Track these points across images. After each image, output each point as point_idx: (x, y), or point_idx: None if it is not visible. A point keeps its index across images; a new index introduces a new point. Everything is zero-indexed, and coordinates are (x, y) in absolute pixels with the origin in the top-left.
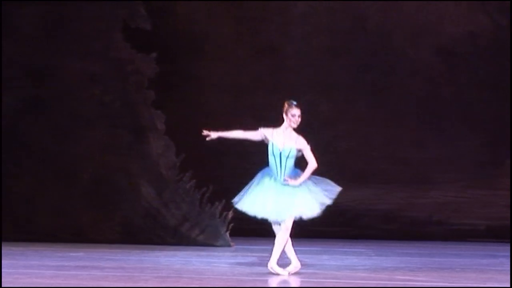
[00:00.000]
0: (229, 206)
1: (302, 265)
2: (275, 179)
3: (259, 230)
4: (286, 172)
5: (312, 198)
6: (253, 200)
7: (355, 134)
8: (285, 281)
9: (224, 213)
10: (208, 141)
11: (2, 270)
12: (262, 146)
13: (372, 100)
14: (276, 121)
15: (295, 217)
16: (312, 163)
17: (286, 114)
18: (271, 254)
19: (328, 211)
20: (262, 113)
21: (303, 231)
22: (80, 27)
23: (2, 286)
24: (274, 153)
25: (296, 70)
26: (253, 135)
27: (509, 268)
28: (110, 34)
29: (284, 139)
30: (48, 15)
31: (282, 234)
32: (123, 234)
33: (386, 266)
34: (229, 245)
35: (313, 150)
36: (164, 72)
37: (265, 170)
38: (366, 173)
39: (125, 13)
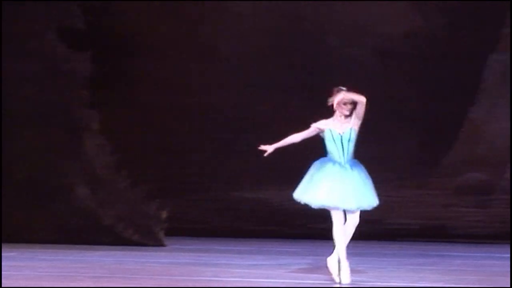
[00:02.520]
0: (164, 205)
1: (233, 265)
2: (340, 165)
3: (193, 230)
4: (348, 156)
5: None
6: (329, 191)
7: (292, 133)
8: (217, 281)
9: (159, 213)
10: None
11: None
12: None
13: (308, 100)
14: (215, 118)
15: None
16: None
17: (339, 103)
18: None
19: (264, 211)
20: (198, 112)
21: (236, 230)
22: (15, 27)
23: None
24: (334, 138)
25: (233, 70)
26: (308, 133)
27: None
28: (45, 33)
29: (341, 124)
30: None
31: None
32: (57, 234)
33: (321, 266)
34: (163, 245)
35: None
36: (99, 71)
37: (323, 159)
38: (300, 172)
39: (60, 12)
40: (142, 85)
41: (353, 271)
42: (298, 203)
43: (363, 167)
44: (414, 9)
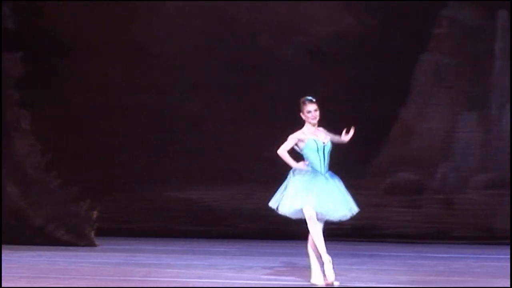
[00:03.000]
0: (94, 206)
1: (164, 265)
2: (321, 175)
3: (124, 230)
4: (327, 167)
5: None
6: (321, 200)
7: (222, 134)
8: (148, 281)
9: (89, 213)
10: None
11: None
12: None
13: (240, 99)
14: (147, 119)
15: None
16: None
17: (303, 112)
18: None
19: (195, 211)
20: (128, 112)
21: (168, 230)
22: None
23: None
24: (319, 148)
25: (164, 69)
26: (289, 146)
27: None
28: None
29: (319, 134)
30: None
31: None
32: None
33: (251, 266)
34: (94, 245)
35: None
36: (30, 71)
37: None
38: (232, 172)
39: None
40: (72, 85)
41: (283, 271)
42: (230, 203)
43: (338, 177)
44: (345, 10)
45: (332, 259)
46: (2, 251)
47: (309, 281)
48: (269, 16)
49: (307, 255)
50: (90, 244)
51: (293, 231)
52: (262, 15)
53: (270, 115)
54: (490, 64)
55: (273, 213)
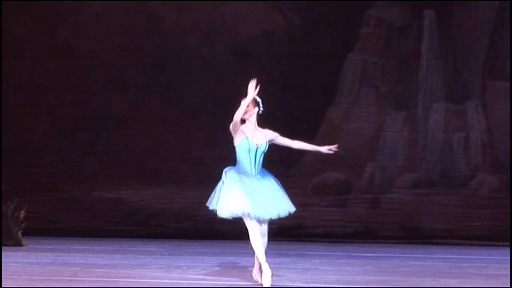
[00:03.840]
0: (21, 205)
1: (92, 265)
2: (251, 176)
3: (51, 230)
4: (258, 168)
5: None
6: (255, 205)
7: (149, 133)
8: (76, 281)
9: (16, 212)
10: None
11: None
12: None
13: (167, 99)
14: (73, 118)
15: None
16: (296, 141)
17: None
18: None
19: (122, 210)
20: (55, 111)
21: (95, 230)
22: None
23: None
24: (250, 149)
25: (91, 69)
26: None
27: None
28: None
29: (255, 134)
30: None
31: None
32: None
33: (179, 265)
34: (22, 245)
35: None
36: None
37: (235, 169)
38: (159, 172)
39: None
40: (2, 83)
41: (210, 270)
42: (157, 203)
43: (272, 175)
44: (272, 9)
45: (215, 258)
46: None
47: (236, 279)
48: (195, 15)
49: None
50: (17, 243)
51: (222, 231)
52: (189, 15)
53: (197, 114)
54: (417, 64)
55: (200, 212)
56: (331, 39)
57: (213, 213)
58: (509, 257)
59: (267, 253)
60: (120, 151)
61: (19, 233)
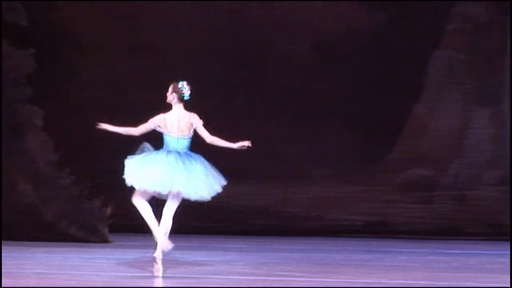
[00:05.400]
0: (108, 202)
1: (177, 262)
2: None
3: (137, 226)
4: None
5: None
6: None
7: (231, 130)
8: (161, 277)
9: (103, 209)
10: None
11: None
12: (134, 140)
13: (249, 96)
14: (155, 115)
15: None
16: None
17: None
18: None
19: (206, 207)
20: (141, 109)
21: (179, 226)
22: None
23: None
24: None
25: (174, 67)
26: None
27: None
28: None
29: (178, 121)
30: None
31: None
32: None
33: (264, 262)
34: (108, 241)
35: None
36: (42, 68)
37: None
38: (243, 169)
39: (1, 8)
40: (84, 82)
41: (295, 267)
42: (241, 200)
43: (200, 157)
44: (356, 6)
45: (346, 256)
46: (15, 247)
47: (321, 277)
48: (279, 12)
49: None
50: (104, 240)
51: (306, 227)
52: (272, 12)
53: (280, 111)
54: (502, 60)
55: (285, 209)
56: (416, 35)
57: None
58: None
59: None
60: (203, 148)
61: (106, 229)
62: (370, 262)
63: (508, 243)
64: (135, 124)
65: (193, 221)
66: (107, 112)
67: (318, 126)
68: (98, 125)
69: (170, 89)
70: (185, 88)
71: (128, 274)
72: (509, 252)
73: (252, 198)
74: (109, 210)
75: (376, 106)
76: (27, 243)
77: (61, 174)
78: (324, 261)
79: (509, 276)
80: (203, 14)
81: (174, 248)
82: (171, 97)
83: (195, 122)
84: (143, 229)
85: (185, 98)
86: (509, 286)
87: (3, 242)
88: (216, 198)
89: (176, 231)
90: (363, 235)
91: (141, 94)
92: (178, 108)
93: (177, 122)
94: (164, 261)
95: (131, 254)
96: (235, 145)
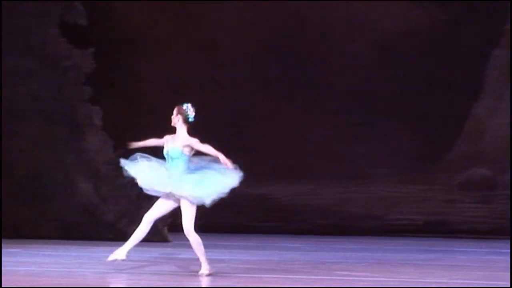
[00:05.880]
0: None
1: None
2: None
3: (198, 225)
4: (175, 171)
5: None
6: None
7: (293, 129)
8: (219, 276)
9: None
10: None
11: None
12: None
13: (310, 95)
14: (215, 114)
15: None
16: (208, 148)
17: None
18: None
19: (266, 206)
20: (200, 108)
21: (239, 226)
22: (16, 22)
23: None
24: (164, 153)
25: (234, 65)
26: (161, 142)
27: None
28: (47, 29)
29: (173, 141)
30: None
31: None
32: (60, 230)
33: (325, 261)
34: (167, 241)
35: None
36: (101, 67)
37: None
38: (303, 168)
39: (61, 8)
40: (143, 81)
41: (356, 266)
42: (301, 199)
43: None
44: (416, 5)
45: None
46: (76, 246)
47: (381, 276)
48: (338, 12)
49: None
50: (163, 239)
51: (366, 227)
52: (332, 12)
53: (340, 111)
54: None
55: (345, 208)
56: (475, 35)
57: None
58: None
59: None
60: (264, 147)
61: (165, 229)
62: (430, 261)
63: None
64: None
65: (253, 220)
66: (166, 111)
67: (378, 126)
68: (129, 145)
69: (175, 111)
70: (189, 110)
71: (188, 273)
72: None
73: (313, 198)
74: None
75: (436, 105)
76: (87, 242)
77: (120, 173)
78: (384, 260)
79: None
80: (265, 13)
81: (234, 247)
82: (176, 119)
83: (192, 142)
84: (203, 229)
85: (190, 120)
86: None
87: (64, 241)
88: (277, 197)
89: (237, 230)
90: (423, 235)
91: (200, 93)
92: (181, 131)
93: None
94: (225, 261)
95: (190, 253)
96: (220, 157)
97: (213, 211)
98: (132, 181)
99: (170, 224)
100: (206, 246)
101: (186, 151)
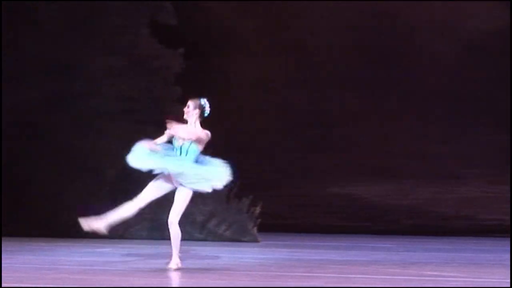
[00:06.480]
0: (257, 201)
1: (327, 261)
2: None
3: (284, 226)
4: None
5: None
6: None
7: (382, 130)
8: (309, 277)
9: (252, 209)
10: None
11: (29, 266)
12: (285, 140)
13: (399, 95)
14: (303, 115)
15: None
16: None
17: None
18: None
19: (355, 206)
20: (287, 108)
21: (329, 227)
22: (106, 22)
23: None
24: (176, 147)
25: (322, 66)
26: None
27: None
28: (137, 29)
29: (187, 135)
30: (74, 10)
31: None
32: (150, 230)
33: (414, 261)
34: (257, 241)
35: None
36: (190, 67)
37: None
38: (392, 168)
39: (152, 8)
40: (232, 81)
41: (446, 266)
42: (391, 199)
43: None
44: (504, 5)
45: (496, 256)
46: (165, 245)
47: (471, 276)
48: (426, 12)
49: None
50: (253, 239)
51: (456, 227)
52: (422, 11)
53: (429, 111)
54: None
55: (435, 209)
56: None
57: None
58: None
59: None
60: (352, 148)
61: (255, 229)
62: None
63: None
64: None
65: (343, 220)
66: (254, 111)
67: (467, 126)
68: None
69: (192, 105)
70: (207, 105)
71: (278, 273)
72: None
73: (402, 197)
74: (258, 209)
75: None
76: None
77: None
78: (474, 261)
79: None
80: (350, 13)
81: (325, 247)
82: (194, 112)
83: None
84: (292, 229)
85: (206, 115)
86: None
87: (154, 241)
88: (366, 197)
89: (327, 231)
90: None
91: (289, 93)
92: (197, 126)
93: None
94: (316, 261)
95: (280, 253)
96: None
97: (304, 211)
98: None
99: (260, 224)
100: (299, 247)
101: (200, 146)
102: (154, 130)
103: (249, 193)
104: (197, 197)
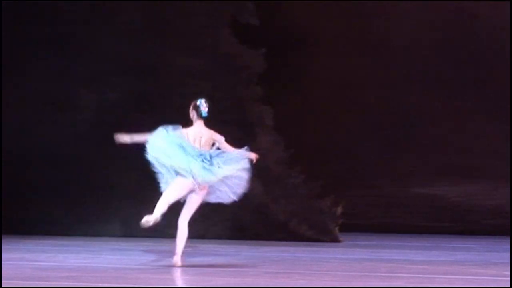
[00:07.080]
0: (339, 201)
1: (409, 261)
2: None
3: (366, 226)
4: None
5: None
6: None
7: (464, 129)
8: (391, 277)
9: (333, 209)
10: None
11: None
12: (366, 139)
13: (481, 95)
14: (384, 114)
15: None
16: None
17: None
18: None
19: (437, 207)
20: (368, 107)
21: (411, 226)
22: (188, 23)
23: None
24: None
25: (405, 65)
26: None
27: None
28: (219, 29)
29: (200, 138)
30: (156, 10)
31: None
32: (231, 230)
33: (496, 262)
34: (338, 241)
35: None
36: (271, 67)
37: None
38: (474, 168)
39: (234, 8)
40: (313, 81)
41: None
42: (472, 199)
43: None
44: None
45: None
46: (247, 246)
47: None
48: (508, 11)
49: None
50: (334, 239)
51: None
52: (502, 11)
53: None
54: None
55: None
56: None
57: None
58: None
59: None
60: (435, 147)
61: (336, 229)
62: None
63: None
64: None
65: (424, 221)
66: (336, 111)
67: None
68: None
69: (191, 106)
70: (202, 105)
71: (359, 274)
72: None
73: (484, 198)
74: (339, 209)
75: None
76: (258, 242)
77: (291, 173)
78: None
79: None
80: (436, 12)
81: (408, 248)
82: (192, 114)
83: (218, 138)
84: (374, 229)
85: (203, 115)
86: None
87: (235, 241)
88: (447, 197)
89: (410, 230)
90: None
91: (369, 92)
92: (199, 125)
93: (199, 138)
94: (399, 261)
95: (362, 253)
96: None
97: (386, 211)
98: (301, 182)
99: (341, 224)
100: (381, 247)
101: (213, 147)
102: (236, 129)
103: (330, 193)
104: (280, 197)
